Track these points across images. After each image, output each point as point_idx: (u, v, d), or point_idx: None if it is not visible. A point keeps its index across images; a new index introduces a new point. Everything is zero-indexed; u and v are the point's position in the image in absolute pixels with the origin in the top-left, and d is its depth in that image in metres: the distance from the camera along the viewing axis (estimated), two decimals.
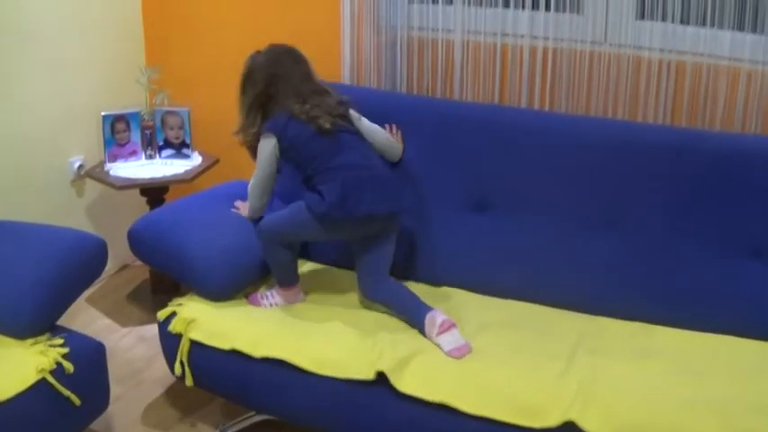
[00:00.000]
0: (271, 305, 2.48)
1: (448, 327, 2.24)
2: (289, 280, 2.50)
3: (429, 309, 2.30)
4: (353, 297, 2.51)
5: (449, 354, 2.18)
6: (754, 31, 2.47)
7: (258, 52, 2.60)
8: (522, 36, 2.70)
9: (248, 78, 2.59)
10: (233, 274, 2.47)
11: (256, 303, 2.49)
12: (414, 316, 2.32)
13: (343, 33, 2.97)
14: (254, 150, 2.54)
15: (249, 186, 2.52)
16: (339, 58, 3.00)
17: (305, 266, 2.70)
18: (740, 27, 2.49)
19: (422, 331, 2.28)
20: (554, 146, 2.51)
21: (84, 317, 3.13)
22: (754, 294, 2.28)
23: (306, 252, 2.73)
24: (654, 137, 2.45)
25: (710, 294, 2.30)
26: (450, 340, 2.21)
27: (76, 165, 3.23)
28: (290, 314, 2.41)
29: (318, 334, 2.29)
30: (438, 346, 2.22)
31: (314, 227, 2.38)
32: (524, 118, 2.60)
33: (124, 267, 3.51)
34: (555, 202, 2.51)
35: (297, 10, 3.13)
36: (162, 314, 2.41)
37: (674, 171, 2.38)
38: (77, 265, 2.33)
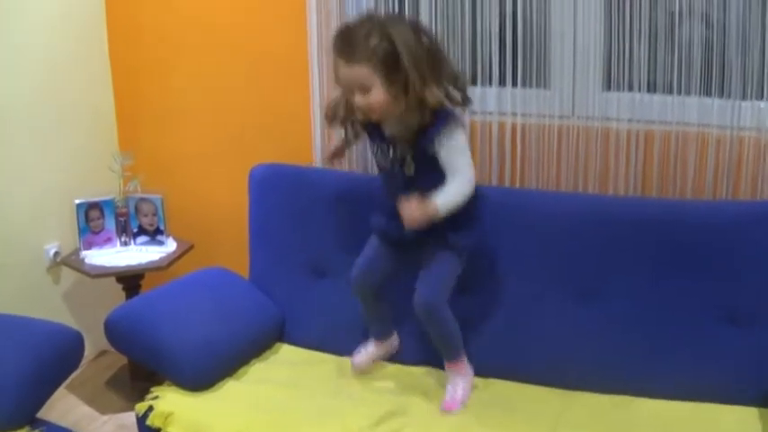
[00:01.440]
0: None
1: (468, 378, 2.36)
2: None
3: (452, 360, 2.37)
4: (339, 383, 2.47)
5: (444, 403, 2.29)
6: (720, 95, 2.48)
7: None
8: (491, 113, 2.70)
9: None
10: (210, 364, 2.44)
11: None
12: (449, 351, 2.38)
13: (314, 115, 2.98)
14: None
15: (462, 185, 2.22)
16: (310, 143, 3.00)
17: (283, 351, 2.67)
18: (707, 93, 2.50)
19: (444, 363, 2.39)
20: (528, 222, 2.48)
21: (64, 405, 3.08)
22: (733, 360, 2.26)
23: (284, 335, 2.72)
24: (625, 209, 2.45)
25: (690, 362, 2.28)
26: (457, 388, 2.33)
27: (52, 252, 3.23)
28: (273, 403, 2.35)
29: (304, 425, 2.23)
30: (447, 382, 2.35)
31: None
32: (497, 195, 2.57)
33: (103, 353, 3.47)
34: (531, 277, 2.48)
35: (268, 94, 3.16)
36: (140, 408, 2.35)
37: (647, 241, 2.36)
38: (54, 359, 2.32)
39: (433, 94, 2.15)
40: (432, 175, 2.23)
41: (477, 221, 2.38)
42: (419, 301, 2.32)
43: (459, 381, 2.37)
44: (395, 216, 2.24)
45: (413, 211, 2.15)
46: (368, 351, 2.53)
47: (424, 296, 2.32)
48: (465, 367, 2.40)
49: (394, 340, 2.57)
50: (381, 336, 2.54)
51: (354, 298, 2.50)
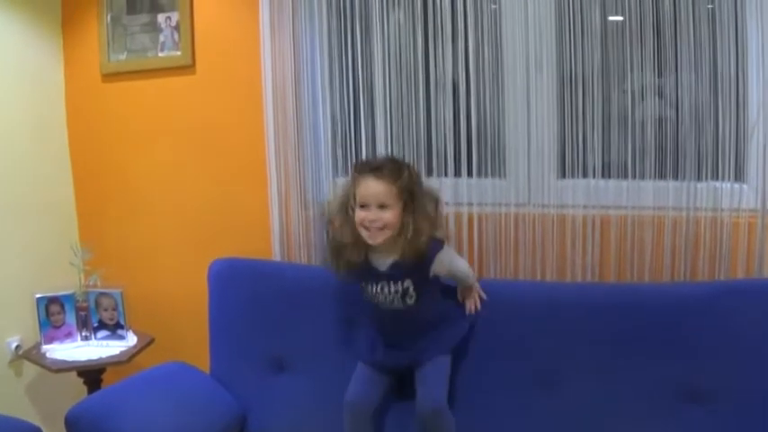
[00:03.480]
0: None
1: None
2: None
3: None
4: None
5: None
6: (675, 178, 2.50)
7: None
8: (447, 203, 2.68)
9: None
10: None
11: None
12: None
13: (272, 209, 2.99)
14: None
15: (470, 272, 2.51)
16: (269, 235, 3.00)
17: None
18: (662, 176, 2.52)
19: None
20: (485, 310, 2.48)
21: None
22: None
23: (246, 430, 2.69)
24: (583, 295, 2.46)
25: None
26: None
27: (14, 345, 3.21)
28: None
29: None
30: None
31: None
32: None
33: None
34: (488, 365, 2.47)
35: (227, 190, 3.18)
36: None
37: (606, 326, 2.37)
38: None
39: (428, 229, 2.39)
40: (430, 297, 2.44)
41: (455, 317, 2.50)
42: (427, 405, 2.39)
43: None
44: (388, 346, 2.48)
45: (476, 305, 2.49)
46: None
47: (432, 401, 2.39)
48: None
49: None
50: None
51: (349, 426, 2.47)
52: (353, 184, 2.40)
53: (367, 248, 2.41)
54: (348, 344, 2.58)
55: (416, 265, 2.37)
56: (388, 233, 2.35)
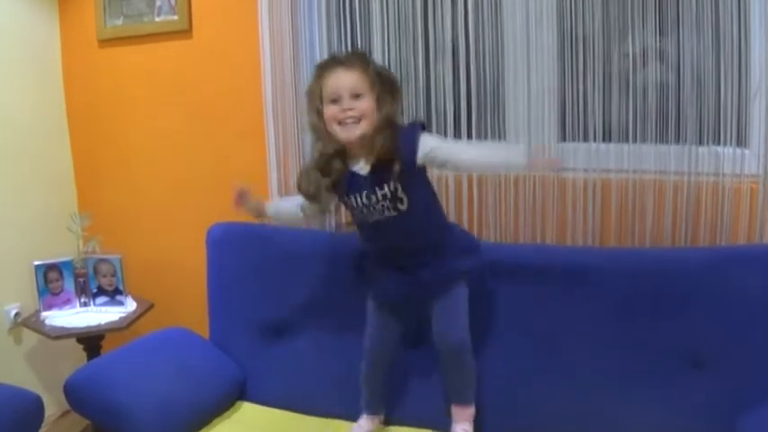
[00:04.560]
0: None
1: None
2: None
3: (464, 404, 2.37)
4: None
5: None
6: (677, 142, 2.48)
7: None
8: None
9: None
10: (171, 426, 2.40)
11: None
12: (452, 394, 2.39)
13: (270, 174, 2.99)
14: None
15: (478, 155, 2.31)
16: (268, 199, 2.94)
17: (244, 409, 2.65)
18: (663, 140, 2.50)
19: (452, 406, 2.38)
20: (486, 273, 2.45)
21: None
22: (697, 405, 2.24)
23: (245, 394, 2.70)
24: (584, 259, 2.44)
25: (656, 407, 2.27)
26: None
27: (13, 313, 3.22)
28: None
29: None
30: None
31: None
32: None
33: (67, 413, 3.41)
34: (490, 329, 2.47)
35: (224, 152, 3.17)
36: None
37: (606, 290, 2.36)
38: (13, 424, 2.27)
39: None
40: (422, 200, 2.27)
41: (466, 246, 2.39)
42: (452, 340, 2.32)
43: (468, 426, 2.37)
44: (393, 279, 2.32)
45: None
46: (364, 428, 2.47)
47: (457, 335, 2.32)
48: (473, 413, 2.39)
49: (382, 415, 2.52)
50: (377, 409, 2.50)
51: (368, 370, 2.46)
52: (319, 82, 2.23)
53: (344, 156, 2.25)
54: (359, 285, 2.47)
55: (399, 159, 2.18)
56: (365, 126, 2.18)
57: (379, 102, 2.20)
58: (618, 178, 2.56)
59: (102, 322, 3.07)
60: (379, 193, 2.21)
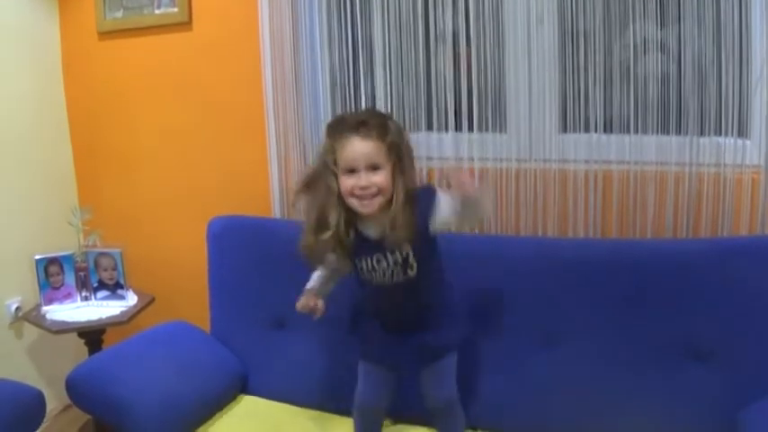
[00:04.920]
0: None
1: None
2: None
3: None
4: None
5: None
6: (678, 133, 2.47)
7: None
8: (448, 158, 2.68)
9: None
10: (173, 420, 2.41)
11: None
12: None
13: (271, 167, 2.98)
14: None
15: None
16: (269, 192, 3.00)
17: (246, 403, 2.66)
18: (665, 131, 2.49)
19: None
20: (488, 267, 2.46)
21: None
22: (699, 397, 2.24)
23: (247, 387, 2.71)
24: (585, 251, 2.43)
25: (657, 399, 2.27)
26: None
27: (14, 307, 3.22)
28: None
29: None
30: None
31: None
32: (457, 240, 2.52)
33: (69, 407, 3.42)
34: (492, 322, 2.46)
35: (225, 146, 3.17)
36: None
37: (607, 282, 2.34)
38: (15, 420, 2.27)
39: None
40: (431, 266, 2.20)
41: (461, 313, 2.34)
42: (442, 399, 2.29)
43: None
44: (387, 342, 2.27)
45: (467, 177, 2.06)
46: None
47: (446, 395, 2.29)
48: None
49: None
50: None
51: (361, 425, 2.39)
52: (332, 148, 2.12)
53: (354, 219, 2.16)
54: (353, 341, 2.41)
55: (412, 227, 2.10)
56: (382, 199, 2.09)
57: (395, 169, 2.10)
58: (619, 170, 2.55)
59: (103, 316, 3.07)
60: (391, 259, 2.15)
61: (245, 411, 2.61)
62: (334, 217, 2.12)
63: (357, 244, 2.17)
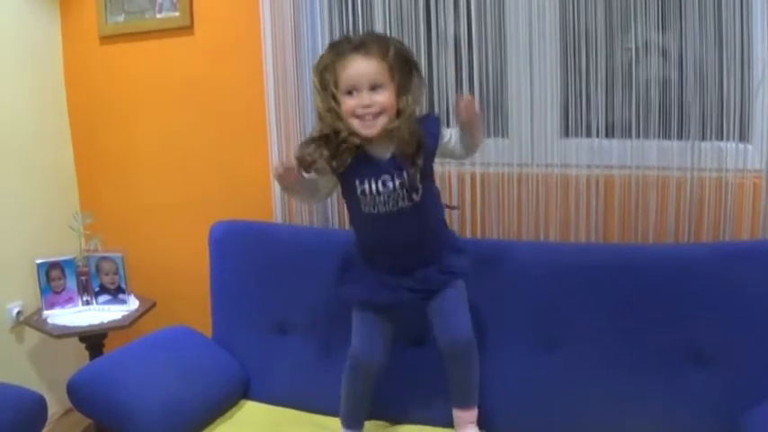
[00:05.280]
0: None
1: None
2: None
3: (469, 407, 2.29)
4: None
5: None
6: (680, 138, 2.47)
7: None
8: (449, 162, 2.66)
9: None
10: (175, 425, 2.40)
11: None
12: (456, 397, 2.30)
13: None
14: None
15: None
16: (270, 197, 2.99)
17: (248, 408, 2.65)
18: (666, 135, 2.49)
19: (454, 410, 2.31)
20: (489, 271, 2.45)
21: None
22: (702, 402, 2.24)
23: (249, 392, 2.70)
24: (587, 256, 2.44)
25: (657, 403, 2.28)
26: None
27: (15, 311, 3.21)
28: None
29: None
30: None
31: None
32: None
33: (69, 411, 3.41)
34: (493, 326, 2.45)
35: (227, 150, 3.17)
36: None
37: (609, 287, 2.35)
38: (17, 424, 2.27)
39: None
40: (432, 191, 2.22)
41: (462, 242, 2.35)
42: (461, 340, 2.23)
43: (474, 429, 2.31)
44: (389, 283, 2.21)
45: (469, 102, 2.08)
46: None
47: (464, 335, 2.23)
48: (476, 414, 2.32)
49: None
50: (358, 426, 2.38)
51: (352, 384, 2.33)
52: (333, 65, 2.10)
53: (360, 142, 2.12)
54: (343, 287, 2.35)
55: (419, 148, 2.10)
56: (385, 119, 2.07)
57: (400, 89, 2.10)
58: (621, 174, 2.56)
59: (105, 321, 3.06)
60: (397, 180, 2.13)
61: (246, 417, 2.60)
62: (343, 133, 2.11)
63: (363, 165, 2.15)
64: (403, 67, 2.11)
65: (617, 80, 2.53)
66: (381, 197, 2.15)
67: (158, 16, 3.17)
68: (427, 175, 2.17)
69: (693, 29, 2.41)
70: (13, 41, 3.19)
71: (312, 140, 2.18)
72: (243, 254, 2.77)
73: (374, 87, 2.07)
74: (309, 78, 2.82)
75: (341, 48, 2.12)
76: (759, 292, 2.23)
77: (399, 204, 2.15)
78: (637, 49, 2.51)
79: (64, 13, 3.38)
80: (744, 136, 2.45)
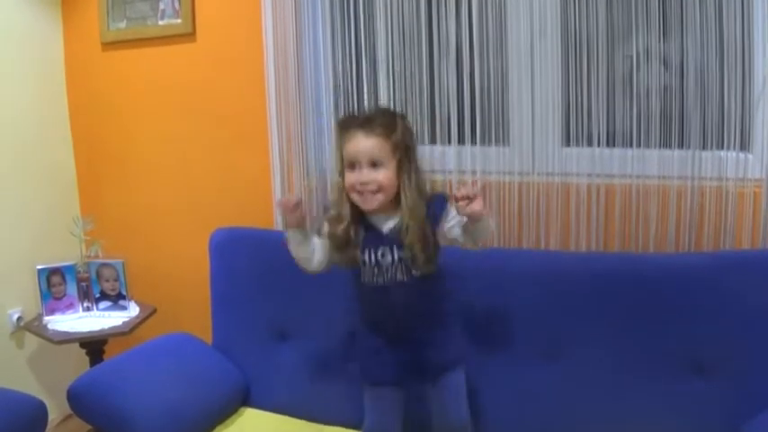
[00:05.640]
0: None
1: None
2: None
3: None
4: None
5: None
6: (680, 147, 2.47)
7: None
8: (451, 171, 2.68)
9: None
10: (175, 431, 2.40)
11: None
12: None
13: (274, 179, 2.98)
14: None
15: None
16: (271, 203, 3.00)
17: (248, 415, 2.65)
18: (667, 145, 2.49)
19: None
20: (490, 279, 2.46)
21: None
22: (701, 412, 2.24)
23: (249, 399, 2.70)
24: (587, 264, 2.43)
25: (656, 413, 2.27)
26: None
27: (15, 317, 3.23)
28: None
29: None
30: None
31: None
32: (459, 253, 2.53)
33: (69, 417, 3.41)
34: (493, 335, 2.46)
35: (228, 157, 3.17)
36: None
37: (609, 296, 2.34)
38: (16, 429, 2.28)
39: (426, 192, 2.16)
40: (434, 277, 2.18)
41: (459, 327, 2.31)
42: (458, 424, 2.23)
43: None
44: (389, 359, 2.22)
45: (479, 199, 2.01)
46: None
47: (461, 418, 2.24)
48: None
49: None
50: None
51: None
52: (339, 142, 2.15)
53: (364, 214, 2.16)
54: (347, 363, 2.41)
55: (422, 227, 2.10)
56: (382, 197, 2.10)
57: (401, 168, 2.11)
58: (621, 183, 2.56)
59: (105, 327, 3.07)
60: (396, 254, 2.14)
61: (246, 424, 2.60)
62: (346, 210, 2.15)
63: (366, 236, 2.17)
64: (408, 148, 2.13)
65: (618, 89, 2.54)
66: (380, 267, 2.16)
67: (160, 23, 3.18)
68: (432, 254, 2.15)
69: (694, 38, 2.42)
70: (15, 47, 3.20)
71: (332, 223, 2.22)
72: (243, 260, 2.77)
73: (374, 164, 2.09)
74: (310, 86, 2.84)
75: (348, 123, 2.16)
76: (759, 302, 2.22)
77: (397, 277, 2.16)
78: (638, 57, 2.52)
79: (66, 19, 3.40)
80: (744, 145, 2.45)
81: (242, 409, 2.68)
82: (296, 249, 2.26)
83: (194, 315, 3.01)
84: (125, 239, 3.37)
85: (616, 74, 2.54)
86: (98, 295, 3.18)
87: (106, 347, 3.14)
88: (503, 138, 2.70)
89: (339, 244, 2.18)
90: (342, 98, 2.92)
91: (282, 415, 2.62)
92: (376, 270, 2.16)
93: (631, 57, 2.52)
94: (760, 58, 2.38)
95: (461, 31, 2.69)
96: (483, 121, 2.69)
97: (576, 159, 2.61)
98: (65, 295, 3.16)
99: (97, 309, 3.18)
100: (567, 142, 2.64)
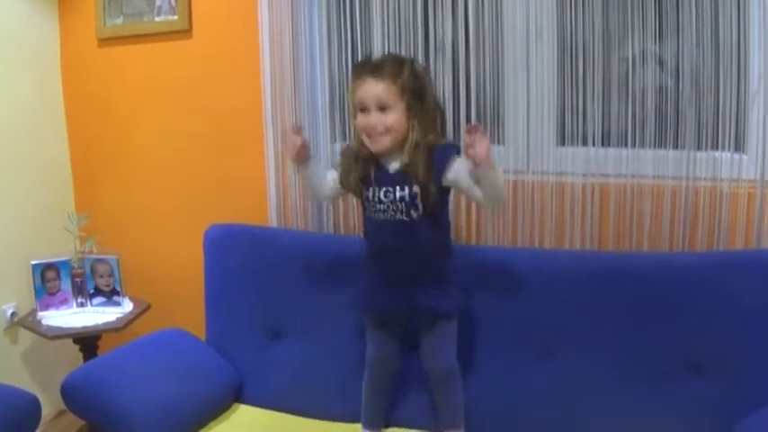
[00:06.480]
0: None
1: None
2: None
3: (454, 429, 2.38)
4: None
5: None
6: (675, 147, 2.48)
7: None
8: None
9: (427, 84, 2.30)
10: (167, 427, 2.40)
11: None
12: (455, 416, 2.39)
13: (269, 175, 2.98)
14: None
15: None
16: (266, 201, 3.00)
17: (240, 411, 2.65)
18: (662, 145, 2.50)
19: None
20: (484, 278, 2.47)
21: None
22: (695, 411, 2.25)
23: (242, 396, 2.70)
24: (582, 263, 2.44)
25: (653, 413, 2.28)
26: None
27: (9, 312, 3.22)
28: None
29: None
30: None
31: None
32: (454, 251, 2.54)
33: (62, 413, 3.41)
34: (488, 334, 2.47)
35: (223, 154, 3.17)
36: None
37: (603, 295, 2.36)
38: (10, 424, 2.27)
39: (435, 136, 2.26)
40: (436, 217, 2.28)
41: (459, 282, 2.37)
42: (442, 366, 2.37)
43: None
44: (389, 297, 2.32)
45: (483, 143, 2.05)
46: None
47: (446, 362, 2.37)
48: None
49: (381, 430, 2.51)
50: (377, 424, 2.48)
51: (371, 383, 2.47)
52: (352, 86, 2.26)
53: (376, 154, 2.27)
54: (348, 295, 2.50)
55: (427, 170, 2.20)
56: (389, 138, 2.21)
57: (410, 111, 2.21)
58: (616, 183, 2.56)
59: (99, 323, 3.06)
60: (398, 194, 2.24)
61: (239, 420, 2.60)
62: (360, 148, 2.29)
63: (375, 175, 2.28)
64: (415, 89, 2.22)
65: (613, 89, 2.54)
66: (382, 204, 2.27)
67: (157, 19, 3.17)
68: (434, 199, 2.24)
69: (690, 39, 2.42)
70: (11, 43, 3.20)
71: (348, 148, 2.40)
72: (238, 257, 2.77)
73: (382, 108, 2.19)
74: (306, 82, 2.84)
75: (359, 69, 2.27)
76: (753, 301, 2.24)
77: (396, 216, 2.25)
78: (633, 58, 2.53)
79: (62, 15, 3.39)
80: (739, 146, 2.45)
81: (235, 405, 2.68)
82: (313, 183, 2.42)
83: (188, 311, 3.01)
84: (120, 235, 3.36)
85: (611, 73, 2.54)
86: (92, 291, 3.18)
87: (100, 343, 3.14)
88: (498, 136, 2.70)
89: (346, 168, 2.33)
90: (338, 96, 2.92)
91: (275, 411, 2.62)
92: (377, 206, 2.27)
93: (627, 58, 2.53)
94: (755, 59, 2.39)
95: (457, 30, 2.69)
96: (478, 119, 2.69)
97: (571, 159, 2.61)
98: (59, 291, 3.15)
99: (91, 304, 3.18)
100: (563, 142, 2.64)
